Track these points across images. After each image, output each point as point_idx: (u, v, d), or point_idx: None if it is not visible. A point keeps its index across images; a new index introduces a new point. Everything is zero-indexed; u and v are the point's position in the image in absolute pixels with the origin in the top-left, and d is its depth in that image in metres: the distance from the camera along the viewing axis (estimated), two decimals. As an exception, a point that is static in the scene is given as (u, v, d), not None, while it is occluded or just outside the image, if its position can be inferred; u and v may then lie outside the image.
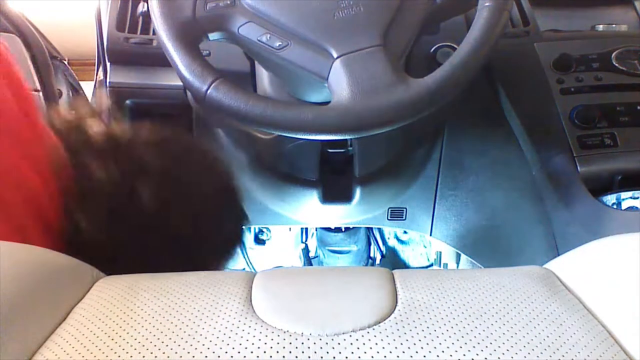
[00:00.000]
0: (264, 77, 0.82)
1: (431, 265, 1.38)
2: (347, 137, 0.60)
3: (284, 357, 0.28)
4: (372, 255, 1.44)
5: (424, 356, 0.28)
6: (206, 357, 0.28)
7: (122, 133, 0.57)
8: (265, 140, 0.88)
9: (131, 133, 0.58)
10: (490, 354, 0.28)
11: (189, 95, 0.88)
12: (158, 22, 0.59)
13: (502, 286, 0.34)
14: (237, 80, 0.58)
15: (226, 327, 0.30)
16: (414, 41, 0.62)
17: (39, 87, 1.08)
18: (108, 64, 0.91)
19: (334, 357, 0.28)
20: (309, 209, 1.05)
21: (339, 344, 0.29)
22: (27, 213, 0.48)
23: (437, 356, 0.28)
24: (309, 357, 0.28)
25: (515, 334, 0.29)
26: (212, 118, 0.89)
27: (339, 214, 1.10)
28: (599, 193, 0.78)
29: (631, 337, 0.29)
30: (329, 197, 0.98)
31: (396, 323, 0.30)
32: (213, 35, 0.61)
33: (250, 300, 0.33)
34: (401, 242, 1.42)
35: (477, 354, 0.28)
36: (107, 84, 0.91)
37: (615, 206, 0.77)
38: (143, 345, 0.28)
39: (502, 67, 0.90)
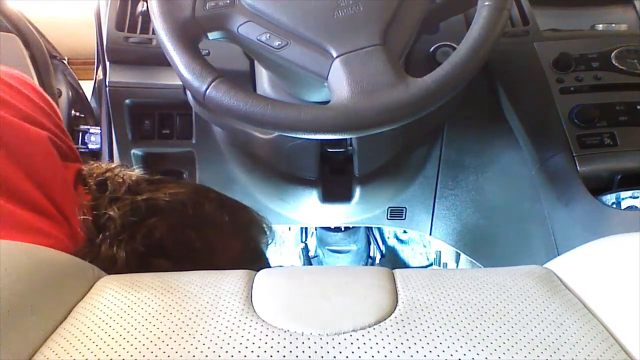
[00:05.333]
0: (263, 77, 0.82)
1: (431, 264, 1.38)
2: (346, 136, 0.60)
3: (284, 356, 0.28)
4: (371, 254, 1.44)
5: (425, 356, 0.28)
6: (206, 356, 0.28)
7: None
8: (265, 139, 0.88)
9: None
10: (491, 354, 0.28)
11: (188, 95, 0.88)
12: (157, 22, 0.59)
13: (502, 286, 0.34)
14: (236, 80, 0.58)
15: (226, 327, 0.30)
16: (414, 40, 0.62)
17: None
18: (107, 63, 0.91)
19: (334, 357, 0.28)
20: (308, 209, 1.05)
21: (339, 343, 0.29)
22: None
23: (438, 356, 0.28)
24: (309, 356, 0.28)
25: (516, 333, 0.29)
26: (212, 117, 0.89)
27: (338, 214, 1.10)
28: (599, 192, 0.78)
29: (631, 336, 0.29)
30: (328, 196, 0.98)
31: (397, 323, 0.30)
32: (213, 35, 0.61)
33: (251, 300, 0.33)
34: (401, 241, 1.42)
35: (478, 354, 0.28)
36: (107, 83, 0.91)
37: (614, 206, 0.77)
38: (143, 345, 0.28)
39: (502, 67, 0.90)
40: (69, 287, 0.35)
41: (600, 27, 0.93)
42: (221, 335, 0.29)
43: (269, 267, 0.68)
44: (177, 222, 0.57)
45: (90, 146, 1.18)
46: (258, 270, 0.67)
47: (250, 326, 0.30)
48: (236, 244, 0.62)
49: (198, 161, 1.00)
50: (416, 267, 1.38)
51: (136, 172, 0.61)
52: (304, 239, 1.43)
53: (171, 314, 0.31)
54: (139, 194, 0.57)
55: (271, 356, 0.28)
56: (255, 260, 0.66)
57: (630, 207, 0.76)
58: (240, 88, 0.57)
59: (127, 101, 0.91)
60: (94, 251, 0.52)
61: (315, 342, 0.29)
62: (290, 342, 0.29)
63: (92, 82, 1.24)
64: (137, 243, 0.53)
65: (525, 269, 0.37)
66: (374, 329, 0.30)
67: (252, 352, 0.28)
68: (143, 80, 0.90)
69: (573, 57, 0.86)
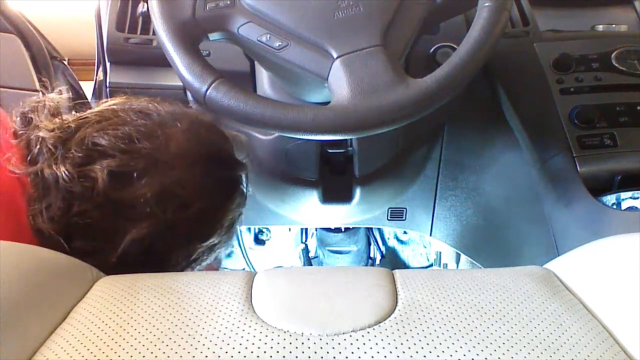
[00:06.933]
0: (263, 77, 0.82)
1: (431, 265, 1.38)
2: (346, 137, 0.60)
3: (284, 357, 0.28)
4: (372, 255, 1.44)
5: (424, 356, 0.28)
6: (206, 356, 0.28)
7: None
8: (265, 140, 0.88)
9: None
10: (491, 354, 0.28)
11: (188, 96, 0.88)
12: (158, 22, 0.59)
13: (502, 286, 0.34)
14: (237, 81, 0.58)
15: (226, 327, 0.30)
16: (414, 41, 0.62)
17: (38, 88, 1.08)
18: (108, 64, 0.91)
19: (334, 357, 0.28)
20: (308, 209, 1.05)
21: (339, 344, 0.29)
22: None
23: (438, 356, 0.28)
24: (309, 357, 0.28)
25: (516, 334, 0.29)
26: (212, 118, 0.89)
27: (338, 214, 1.10)
28: (599, 193, 0.78)
29: (631, 337, 0.29)
30: (328, 197, 0.98)
31: (396, 323, 0.30)
32: (213, 35, 0.61)
33: (251, 300, 0.33)
34: (401, 242, 1.42)
35: (478, 354, 0.28)
36: (107, 84, 0.91)
37: (614, 206, 0.76)
38: (143, 345, 0.28)
39: (502, 67, 0.90)
40: (68, 287, 0.35)
41: (600, 27, 0.93)
42: (221, 335, 0.29)
43: (245, 180, 0.64)
44: (107, 123, 0.56)
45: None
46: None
47: (250, 327, 0.30)
48: (180, 134, 0.59)
49: None
50: (416, 268, 1.38)
51: (61, 96, 0.60)
52: (304, 240, 1.43)
53: (171, 314, 0.31)
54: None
55: (271, 356, 0.28)
56: (222, 165, 0.63)
57: (630, 208, 0.76)
58: (240, 89, 0.57)
59: None
60: (42, 182, 0.52)
61: (315, 343, 0.29)
62: (290, 343, 0.29)
63: (93, 82, 1.23)
64: (73, 153, 0.53)
65: (525, 270, 0.37)
66: (374, 329, 0.30)
67: (252, 352, 0.28)
68: (143, 81, 0.90)
69: (573, 58, 0.86)
